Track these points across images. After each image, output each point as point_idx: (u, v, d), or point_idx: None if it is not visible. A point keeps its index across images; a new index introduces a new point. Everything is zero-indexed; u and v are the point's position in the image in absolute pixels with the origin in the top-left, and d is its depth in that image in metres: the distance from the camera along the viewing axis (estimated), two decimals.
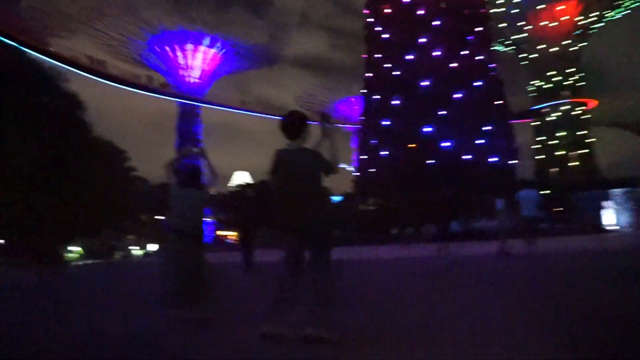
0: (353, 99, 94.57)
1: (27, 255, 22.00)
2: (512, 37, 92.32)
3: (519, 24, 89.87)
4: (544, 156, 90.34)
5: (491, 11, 77.97)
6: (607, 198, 39.19)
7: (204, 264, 4.60)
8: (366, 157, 67.18)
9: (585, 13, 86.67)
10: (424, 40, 64.45)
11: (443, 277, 7.67)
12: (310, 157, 3.39)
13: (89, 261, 38.34)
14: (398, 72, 64.89)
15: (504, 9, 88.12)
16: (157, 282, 5.44)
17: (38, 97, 23.08)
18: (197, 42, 79.82)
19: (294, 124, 3.47)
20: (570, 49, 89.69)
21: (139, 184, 50.72)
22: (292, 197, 3.32)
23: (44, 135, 21.35)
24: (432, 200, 18.87)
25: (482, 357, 2.65)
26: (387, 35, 67.78)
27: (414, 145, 59.06)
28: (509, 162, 62.73)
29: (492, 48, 71.04)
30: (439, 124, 60.87)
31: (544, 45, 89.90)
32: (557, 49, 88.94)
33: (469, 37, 64.65)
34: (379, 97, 66.52)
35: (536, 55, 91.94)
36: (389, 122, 63.98)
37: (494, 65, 66.68)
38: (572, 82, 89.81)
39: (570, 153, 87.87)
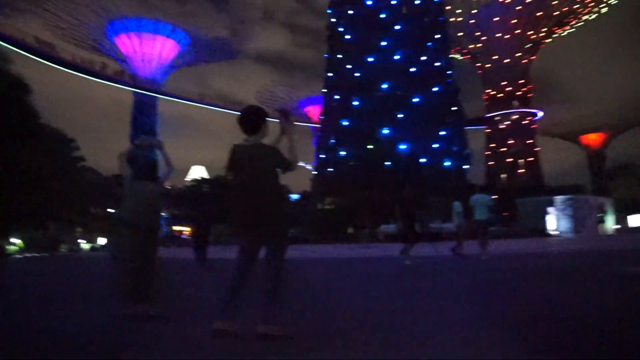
0: (313, 98, 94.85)
1: None
2: (468, 47, 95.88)
3: (475, 34, 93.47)
4: (494, 162, 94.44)
5: (450, 20, 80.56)
6: (550, 204, 41.48)
7: (157, 260, 4.47)
8: (325, 156, 67.56)
9: (536, 28, 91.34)
10: (385, 43, 65.59)
11: (403, 277, 7.84)
12: (267, 153, 3.34)
13: (29, 254, 36.26)
14: (359, 73, 65.69)
15: (461, 19, 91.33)
16: (105, 277, 5.23)
17: None
18: (156, 31, 77.29)
19: (252, 118, 3.41)
20: (522, 61, 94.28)
21: (89, 175, 48.53)
22: (248, 193, 3.27)
23: None
24: (392, 200, 19.22)
25: (441, 356, 2.72)
26: (349, 37, 68.43)
27: (372, 146, 59.99)
28: (462, 166, 65.04)
29: (450, 56, 73.35)
30: (397, 126, 62.20)
31: (497, 56, 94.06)
32: (509, 60, 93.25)
33: (428, 44, 66.43)
34: (339, 97, 67.07)
35: (489, 65, 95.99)
36: (348, 123, 64.65)
37: (451, 72, 68.89)
38: (522, 92, 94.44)
39: (518, 160, 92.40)
